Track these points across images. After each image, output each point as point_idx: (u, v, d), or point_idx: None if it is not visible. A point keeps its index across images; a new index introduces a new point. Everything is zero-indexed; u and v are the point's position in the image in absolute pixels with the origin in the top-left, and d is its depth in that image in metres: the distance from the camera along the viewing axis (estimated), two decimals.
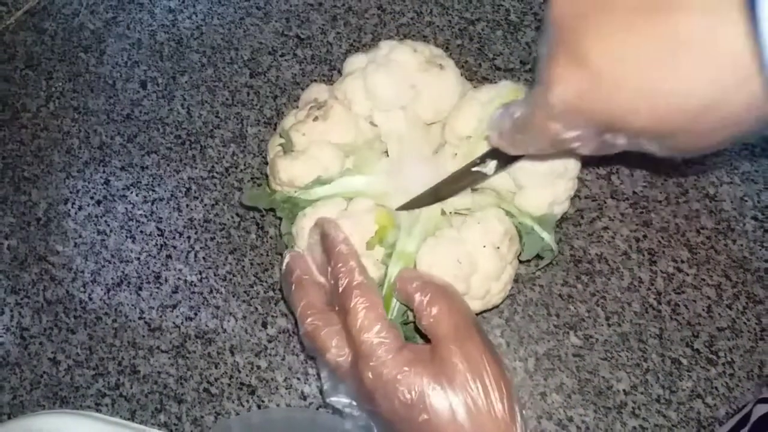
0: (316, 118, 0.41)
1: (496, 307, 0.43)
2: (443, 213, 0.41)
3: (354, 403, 0.37)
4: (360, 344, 0.35)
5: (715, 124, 0.25)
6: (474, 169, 0.40)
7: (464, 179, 0.41)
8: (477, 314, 0.42)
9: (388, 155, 0.42)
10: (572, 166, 0.41)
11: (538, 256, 0.42)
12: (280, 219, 0.42)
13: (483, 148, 0.41)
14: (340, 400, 0.38)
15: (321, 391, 0.38)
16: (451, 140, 0.42)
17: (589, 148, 0.30)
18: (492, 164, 0.39)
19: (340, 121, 0.41)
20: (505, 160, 0.39)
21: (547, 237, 0.42)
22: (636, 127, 0.27)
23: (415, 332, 0.39)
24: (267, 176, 0.43)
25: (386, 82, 0.41)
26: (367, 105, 0.41)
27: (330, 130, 0.41)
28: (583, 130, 0.28)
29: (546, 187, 0.41)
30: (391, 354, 0.34)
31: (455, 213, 0.41)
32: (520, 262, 0.43)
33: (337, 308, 0.37)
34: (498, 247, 0.39)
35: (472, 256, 0.39)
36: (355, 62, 0.43)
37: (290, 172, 0.40)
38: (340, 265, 0.37)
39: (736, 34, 0.22)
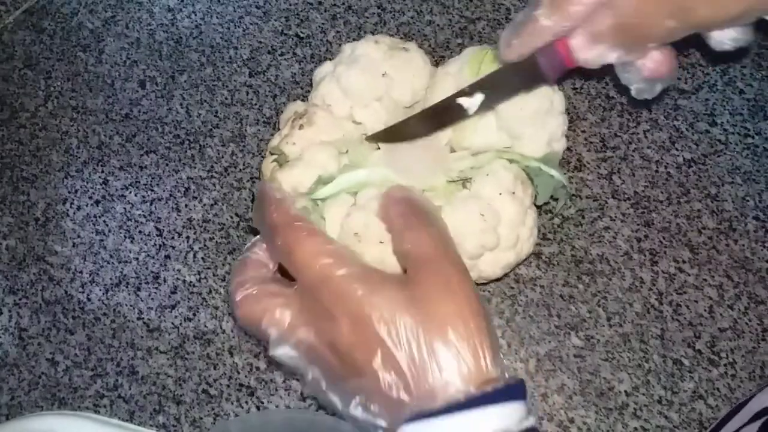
0: (301, 126, 0.41)
1: (528, 257, 0.43)
2: (449, 181, 0.41)
3: (296, 353, 0.33)
4: (316, 269, 0.31)
5: None
6: (458, 100, 0.39)
7: (444, 114, 0.40)
8: (510, 270, 0.42)
9: (378, 147, 0.42)
10: (557, 100, 0.42)
11: (553, 199, 0.43)
12: None
13: (472, 120, 0.41)
14: (287, 352, 0.33)
15: (266, 350, 0.34)
16: None
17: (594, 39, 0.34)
18: (478, 98, 0.39)
19: (326, 122, 0.41)
20: (490, 97, 0.39)
21: (557, 174, 0.42)
22: None
23: None
24: None
25: (359, 77, 0.41)
26: (346, 104, 0.42)
27: (318, 132, 0.41)
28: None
29: (538, 127, 0.42)
30: (356, 268, 0.31)
31: (460, 179, 0.41)
32: (538, 207, 0.43)
33: (275, 260, 0.34)
34: (513, 192, 0.40)
35: (492, 207, 0.39)
36: (323, 70, 0.44)
37: (291, 180, 0.40)
38: (272, 207, 0.34)
39: None
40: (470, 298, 0.31)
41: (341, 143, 0.41)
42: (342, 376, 0.32)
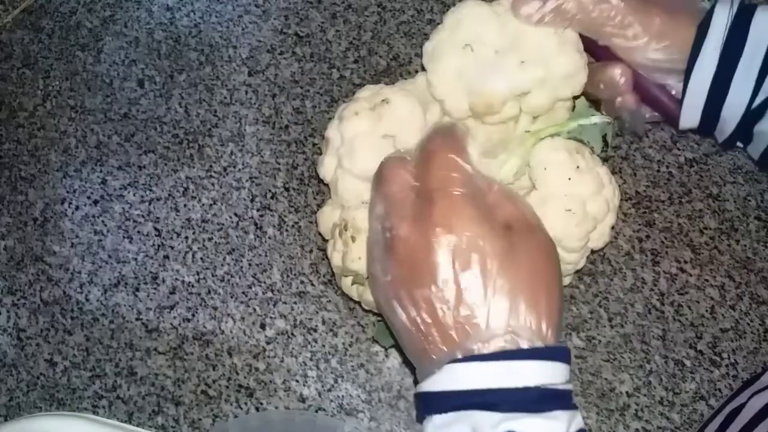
0: (353, 239, 0.39)
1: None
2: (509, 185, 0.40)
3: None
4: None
5: None
6: None
7: None
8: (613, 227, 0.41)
9: None
10: (570, 36, 0.40)
11: (604, 140, 0.41)
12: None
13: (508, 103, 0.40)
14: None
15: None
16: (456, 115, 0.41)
17: None
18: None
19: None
20: None
21: (597, 118, 0.40)
22: None
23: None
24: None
25: (366, 160, 0.39)
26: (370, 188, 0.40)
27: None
28: None
29: (546, 81, 0.39)
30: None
31: (515, 182, 0.40)
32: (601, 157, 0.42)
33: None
34: (578, 167, 0.38)
35: (570, 195, 0.38)
36: (328, 168, 0.42)
37: None
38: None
39: None
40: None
41: None
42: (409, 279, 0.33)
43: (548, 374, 0.31)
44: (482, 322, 0.31)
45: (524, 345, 0.31)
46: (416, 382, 0.34)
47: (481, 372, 0.30)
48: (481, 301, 0.31)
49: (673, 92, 0.42)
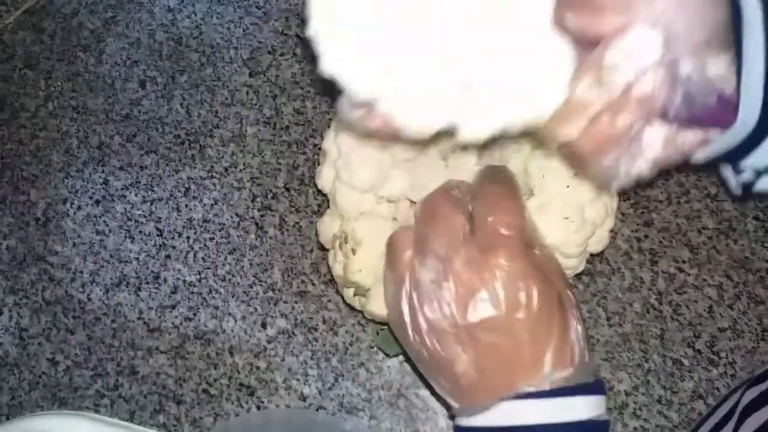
0: (354, 251, 0.39)
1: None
2: None
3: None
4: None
5: None
6: None
7: None
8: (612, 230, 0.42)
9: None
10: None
11: None
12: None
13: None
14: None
15: None
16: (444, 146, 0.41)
17: None
18: None
19: (370, 231, 0.40)
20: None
21: None
22: None
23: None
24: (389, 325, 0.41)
25: (364, 168, 0.39)
26: (371, 196, 0.40)
27: (371, 246, 0.39)
28: None
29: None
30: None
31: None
32: None
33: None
34: (576, 173, 0.38)
35: (569, 203, 0.38)
36: (326, 179, 0.42)
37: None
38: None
39: None
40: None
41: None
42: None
43: (594, 407, 0.33)
44: (541, 362, 0.33)
45: (575, 381, 0.33)
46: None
47: (535, 409, 0.33)
48: (540, 340, 0.33)
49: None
